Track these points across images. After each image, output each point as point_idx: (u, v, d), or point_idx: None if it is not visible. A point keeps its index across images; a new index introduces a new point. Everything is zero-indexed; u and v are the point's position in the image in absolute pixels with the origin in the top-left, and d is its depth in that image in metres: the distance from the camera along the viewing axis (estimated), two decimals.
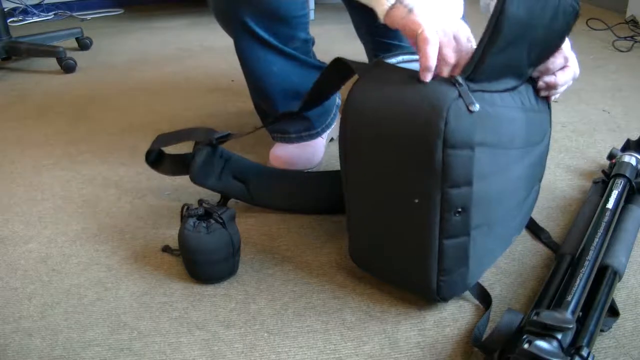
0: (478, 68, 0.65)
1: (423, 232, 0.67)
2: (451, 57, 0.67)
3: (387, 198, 0.70)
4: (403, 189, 0.67)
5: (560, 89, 0.77)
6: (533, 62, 0.72)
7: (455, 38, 0.68)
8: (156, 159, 0.99)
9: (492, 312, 0.74)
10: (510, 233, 0.81)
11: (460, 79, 0.64)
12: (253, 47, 1.03)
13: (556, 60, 0.74)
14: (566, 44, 0.74)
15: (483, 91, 0.65)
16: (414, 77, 0.67)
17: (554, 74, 0.75)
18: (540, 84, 0.75)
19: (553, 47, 0.71)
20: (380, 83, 0.69)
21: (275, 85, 1.06)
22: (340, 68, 0.77)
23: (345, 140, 0.72)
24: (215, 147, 0.94)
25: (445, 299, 0.73)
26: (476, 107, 0.63)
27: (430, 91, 0.64)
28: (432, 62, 0.65)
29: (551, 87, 0.76)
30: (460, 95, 0.63)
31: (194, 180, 0.92)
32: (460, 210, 0.66)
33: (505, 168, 0.70)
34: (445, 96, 0.63)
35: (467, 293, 0.76)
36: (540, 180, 0.85)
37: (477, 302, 0.75)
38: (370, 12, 1.09)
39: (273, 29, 1.01)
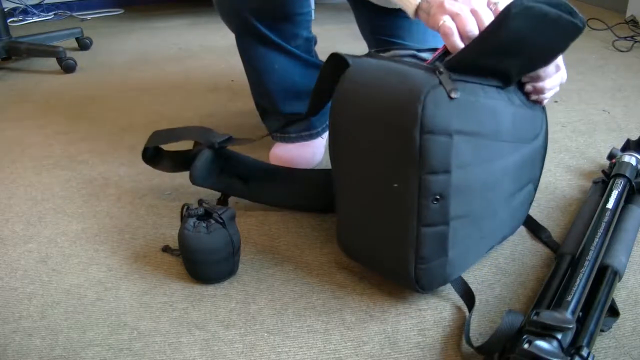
0: (463, 63, 0.66)
1: (402, 217, 0.68)
2: (474, 31, 0.68)
3: (369, 182, 0.71)
4: (384, 173, 0.68)
5: (548, 94, 0.77)
6: (523, 72, 0.72)
7: (474, 12, 0.69)
8: (153, 156, 0.99)
9: (493, 312, 0.74)
10: (497, 230, 0.81)
11: (442, 68, 0.65)
12: (255, 44, 1.03)
13: (548, 69, 0.74)
14: None
15: (465, 81, 0.66)
16: (398, 64, 0.69)
17: (543, 80, 0.75)
18: (529, 87, 0.76)
19: (548, 60, 0.72)
20: (366, 70, 0.71)
21: (277, 83, 1.06)
22: (336, 63, 0.77)
23: (332, 125, 0.74)
24: (216, 150, 0.94)
25: (424, 289, 0.73)
26: (457, 93, 0.64)
27: (410, 77, 0.66)
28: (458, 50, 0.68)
29: (539, 91, 0.76)
30: (440, 83, 0.64)
31: (194, 182, 0.92)
32: (438, 197, 0.66)
33: (488, 159, 0.71)
34: (425, 82, 0.64)
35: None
36: (534, 182, 0.85)
37: (477, 302, 0.75)
38: (373, 12, 1.09)
39: (276, 26, 1.01)
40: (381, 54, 0.75)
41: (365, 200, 0.73)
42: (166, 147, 0.99)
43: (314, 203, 0.99)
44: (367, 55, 0.75)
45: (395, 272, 0.74)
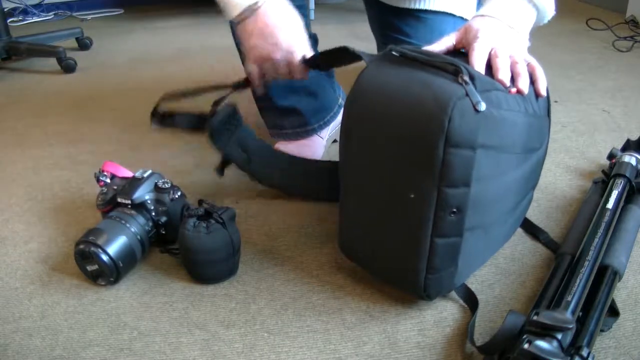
0: None
1: (415, 228, 0.67)
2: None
3: (382, 189, 0.69)
4: (400, 182, 0.67)
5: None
6: None
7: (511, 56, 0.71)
8: (164, 117, 0.98)
9: (492, 312, 0.74)
10: (501, 237, 0.81)
11: (467, 78, 0.63)
12: None
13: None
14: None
15: (489, 91, 0.65)
16: (419, 70, 0.66)
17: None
18: None
19: None
20: (386, 74, 0.68)
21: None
22: (347, 55, 0.76)
23: (346, 127, 0.72)
24: (235, 109, 0.94)
25: (430, 297, 0.73)
26: (482, 106, 0.62)
27: (436, 86, 0.63)
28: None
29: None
30: (467, 94, 0.62)
31: (211, 133, 0.92)
32: (455, 210, 0.65)
33: (503, 172, 0.70)
34: (452, 93, 0.62)
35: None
36: (534, 188, 0.85)
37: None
38: (383, 9, 1.08)
39: None
40: (400, 54, 0.71)
41: (375, 206, 0.71)
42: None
43: (311, 190, 1.00)
44: (384, 53, 0.72)
45: (402, 279, 0.73)
